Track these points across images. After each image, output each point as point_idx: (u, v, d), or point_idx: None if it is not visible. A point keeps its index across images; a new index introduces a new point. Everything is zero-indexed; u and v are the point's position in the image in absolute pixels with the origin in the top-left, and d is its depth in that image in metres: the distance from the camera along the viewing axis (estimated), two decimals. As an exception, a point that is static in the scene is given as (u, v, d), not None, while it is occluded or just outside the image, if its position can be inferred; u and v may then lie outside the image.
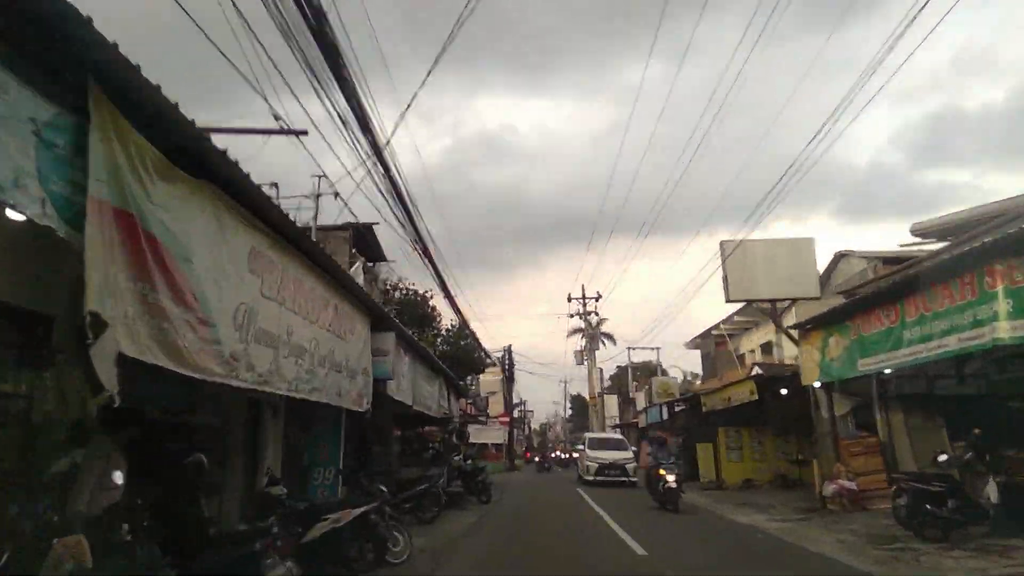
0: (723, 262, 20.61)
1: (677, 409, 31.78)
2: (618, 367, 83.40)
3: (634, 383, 63.58)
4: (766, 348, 35.55)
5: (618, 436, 31.68)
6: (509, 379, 40.99)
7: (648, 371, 67.55)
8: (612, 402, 61.50)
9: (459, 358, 26.64)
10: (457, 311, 25.85)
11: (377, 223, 19.18)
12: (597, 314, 48.39)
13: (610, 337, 75.72)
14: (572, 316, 48.89)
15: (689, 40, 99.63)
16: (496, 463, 40.34)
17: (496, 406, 42.53)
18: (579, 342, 75.45)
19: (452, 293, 24.54)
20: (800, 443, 24.48)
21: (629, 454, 26.54)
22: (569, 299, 48.76)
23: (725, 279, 20.64)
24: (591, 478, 24.67)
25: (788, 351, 31.76)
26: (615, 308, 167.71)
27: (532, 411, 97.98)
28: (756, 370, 28.68)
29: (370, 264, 22.62)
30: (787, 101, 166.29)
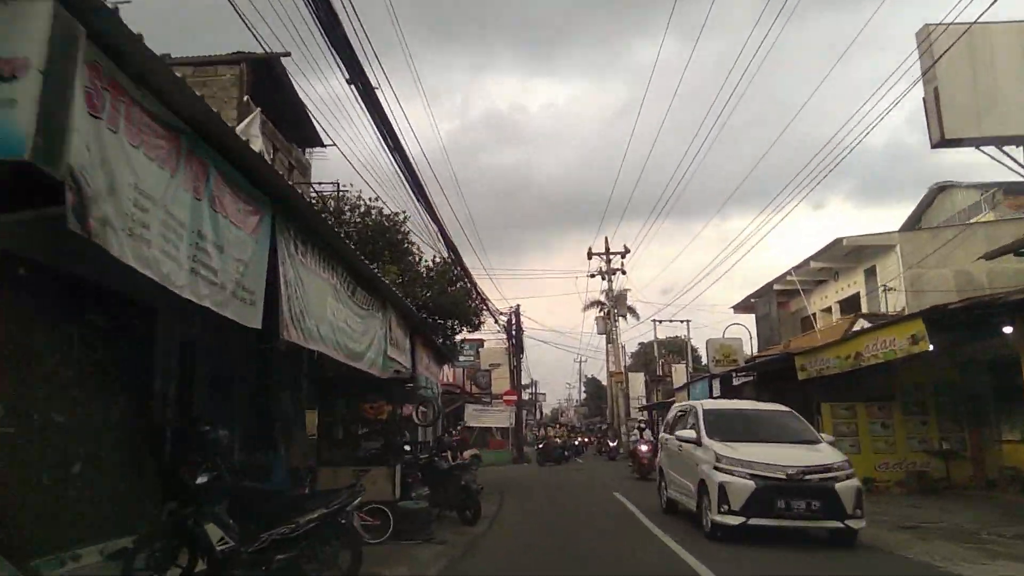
0: (924, 71, 11.14)
1: (737, 382, 23.87)
2: (640, 344, 75.90)
3: (660, 360, 55.67)
4: (850, 305, 27.47)
5: (781, 407, 11.94)
6: (517, 347, 33.30)
7: (674, 348, 59.70)
8: (637, 381, 53.54)
9: (446, 308, 18.71)
10: (444, 237, 18.10)
11: (288, 54, 11.21)
12: (624, 272, 40.41)
13: (632, 311, 68.27)
14: (593, 276, 40.99)
15: (705, 17, 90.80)
16: (501, 451, 32.62)
17: (501, 382, 34.70)
18: (597, 316, 68.72)
19: (438, 216, 16.82)
20: (945, 424, 16.57)
21: (833, 454, 10.00)
22: (590, 255, 40.84)
23: (935, 99, 11.48)
24: (731, 520, 9.15)
25: (895, 302, 23.73)
26: (633, 286, 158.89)
27: (544, 393, 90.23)
28: (861, 324, 20.66)
29: (304, 150, 14.64)
30: (804, 82, 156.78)
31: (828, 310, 29.30)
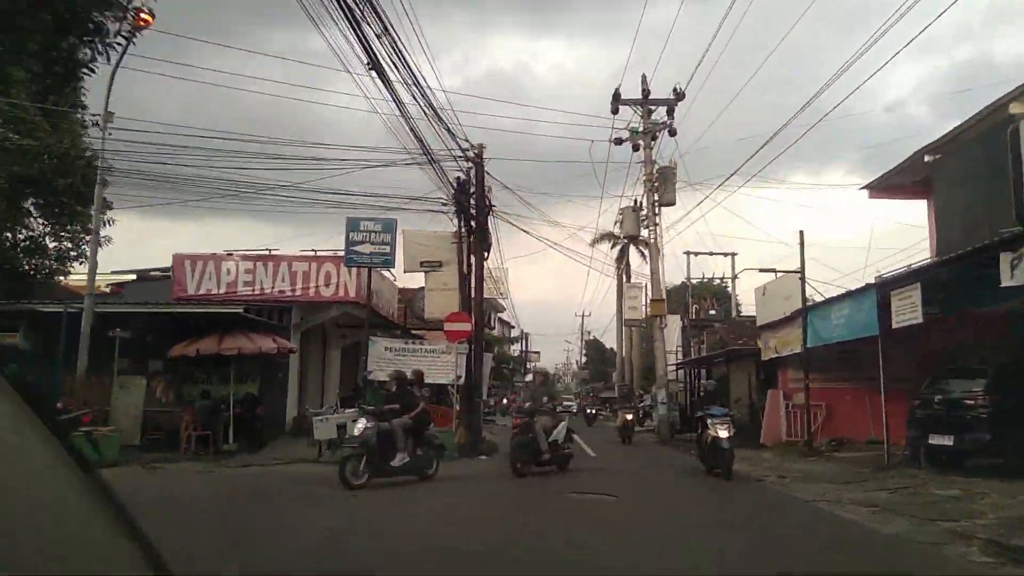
0: None
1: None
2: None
3: (694, 304, 39.06)
4: None
5: None
6: (478, 231, 16.61)
7: (712, 292, 43.26)
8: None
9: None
10: None
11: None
12: (672, 130, 23.55)
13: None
14: (619, 142, 24.12)
15: None
16: (442, 430, 16.34)
17: (447, 303, 17.91)
18: (610, 253, 51.48)
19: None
20: None
21: None
22: (616, 102, 23.98)
23: None
24: None
25: None
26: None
27: (538, 352, 74.06)
28: None
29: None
30: (810, 48, 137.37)
31: None
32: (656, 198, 24.03)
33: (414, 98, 13.68)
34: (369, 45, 10.77)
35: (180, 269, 18.85)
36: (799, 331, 17.17)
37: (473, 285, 17.52)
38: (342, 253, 17.44)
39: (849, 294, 15.37)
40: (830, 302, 16.25)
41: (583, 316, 74.58)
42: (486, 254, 18.08)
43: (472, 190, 17.49)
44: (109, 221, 21.54)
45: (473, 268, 17.45)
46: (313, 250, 19.24)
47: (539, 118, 54.16)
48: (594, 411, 35.85)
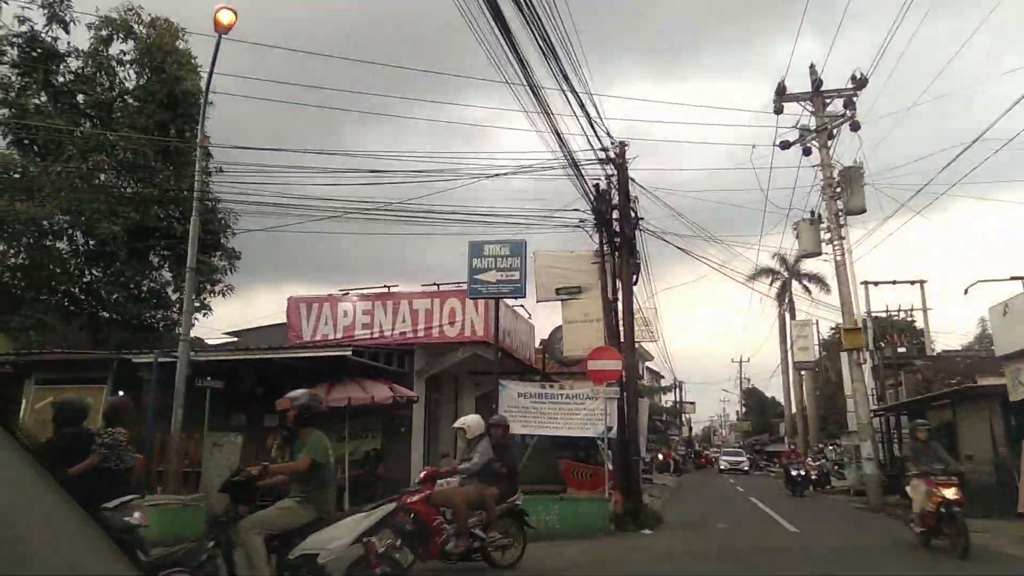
0: None
1: None
2: (834, 328, 52.79)
3: (881, 343, 32.92)
4: None
5: None
6: (624, 245, 13.57)
7: (897, 327, 36.96)
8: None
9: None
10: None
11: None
12: (855, 123, 19.33)
13: (818, 281, 46.23)
14: (786, 146, 20.21)
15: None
16: (590, 499, 13.14)
17: (590, 337, 14.65)
18: (769, 290, 46.28)
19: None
20: None
21: None
22: (781, 97, 20.21)
23: None
24: None
25: None
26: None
27: (693, 403, 67.87)
28: None
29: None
30: (955, 71, 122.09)
31: None
32: (840, 206, 19.76)
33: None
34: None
35: (295, 313, 17.10)
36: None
37: (621, 314, 14.24)
38: (466, 285, 14.90)
39: None
40: None
41: (741, 362, 68.19)
42: (634, 277, 14.79)
43: (614, 200, 14.41)
44: (229, 269, 20.59)
45: (620, 292, 14.20)
46: (435, 284, 16.88)
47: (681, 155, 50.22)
48: (803, 472, 24.42)
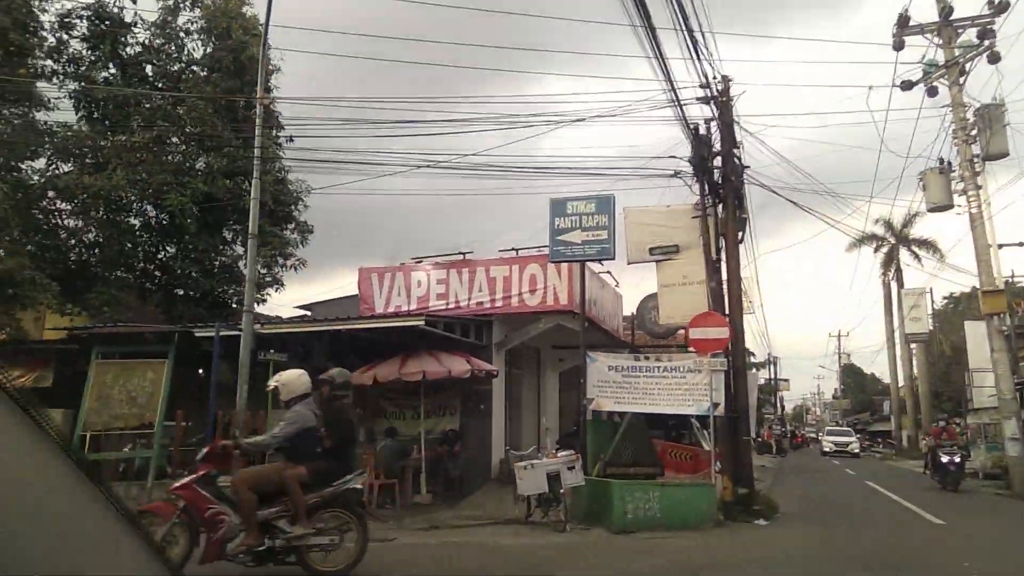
0: None
1: None
2: (947, 298, 48.53)
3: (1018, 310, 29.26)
4: None
5: None
6: (729, 195, 11.83)
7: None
8: (977, 335, 27.96)
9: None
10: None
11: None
12: (994, 55, 16.65)
13: (929, 246, 42.62)
14: (909, 86, 17.61)
15: None
16: (690, 486, 11.56)
17: (691, 302, 12.97)
18: (873, 258, 42.72)
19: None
20: None
21: None
22: (903, 29, 17.63)
23: None
24: None
25: None
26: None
27: (787, 379, 64.14)
28: None
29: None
30: None
31: None
32: (975, 151, 17.13)
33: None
34: None
35: (366, 284, 16.11)
36: None
37: (726, 276, 12.47)
38: (547, 250, 13.44)
39: None
40: None
41: (839, 336, 64.10)
42: (740, 234, 12.95)
43: (715, 146, 12.59)
44: (301, 242, 19.88)
45: (724, 251, 12.41)
46: (514, 249, 15.49)
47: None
48: (958, 459, 17.33)
